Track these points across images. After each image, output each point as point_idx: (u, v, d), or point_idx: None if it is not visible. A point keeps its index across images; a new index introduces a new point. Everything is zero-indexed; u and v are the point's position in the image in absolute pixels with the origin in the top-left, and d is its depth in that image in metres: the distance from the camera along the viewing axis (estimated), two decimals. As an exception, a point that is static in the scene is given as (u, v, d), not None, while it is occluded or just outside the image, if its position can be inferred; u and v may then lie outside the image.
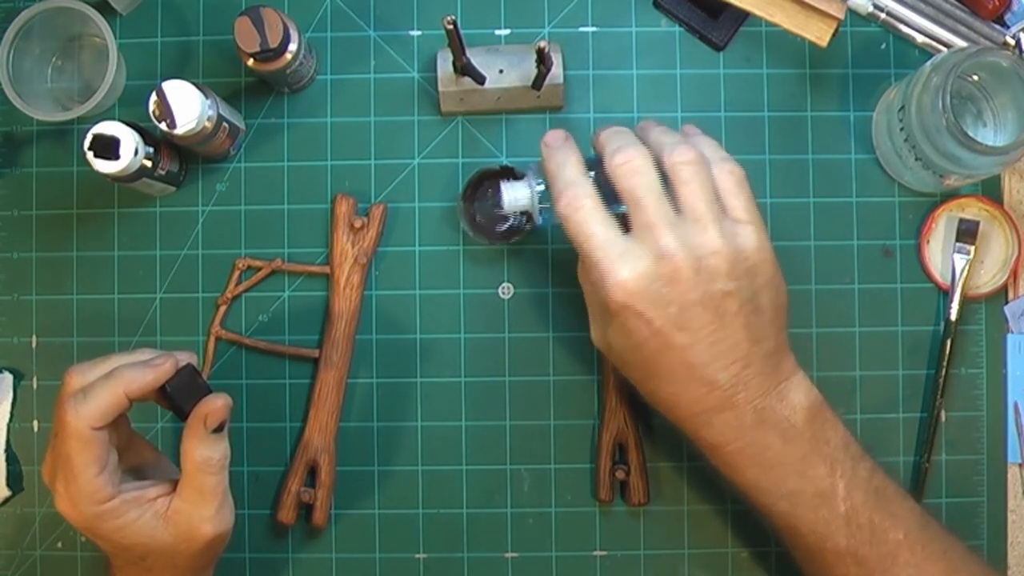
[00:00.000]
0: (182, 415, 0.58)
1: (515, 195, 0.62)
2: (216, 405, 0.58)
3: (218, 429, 0.58)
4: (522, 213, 0.63)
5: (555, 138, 0.60)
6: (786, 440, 0.56)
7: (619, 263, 0.54)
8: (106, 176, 0.64)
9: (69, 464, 0.54)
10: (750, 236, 0.56)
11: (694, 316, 0.54)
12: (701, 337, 0.55)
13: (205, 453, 0.57)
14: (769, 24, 0.69)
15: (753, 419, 0.56)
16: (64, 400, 0.55)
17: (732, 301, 0.55)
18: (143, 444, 0.63)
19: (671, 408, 0.58)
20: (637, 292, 0.54)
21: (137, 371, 0.56)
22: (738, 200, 0.57)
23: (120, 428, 0.59)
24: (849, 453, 0.57)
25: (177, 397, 0.58)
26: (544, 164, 0.59)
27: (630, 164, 0.56)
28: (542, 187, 0.62)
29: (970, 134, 0.61)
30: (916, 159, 0.66)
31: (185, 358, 0.59)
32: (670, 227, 0.55)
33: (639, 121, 0.62)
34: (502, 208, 0.62)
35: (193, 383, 0.58)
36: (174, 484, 0.58)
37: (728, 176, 0.57)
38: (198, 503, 0.57)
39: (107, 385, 0.55)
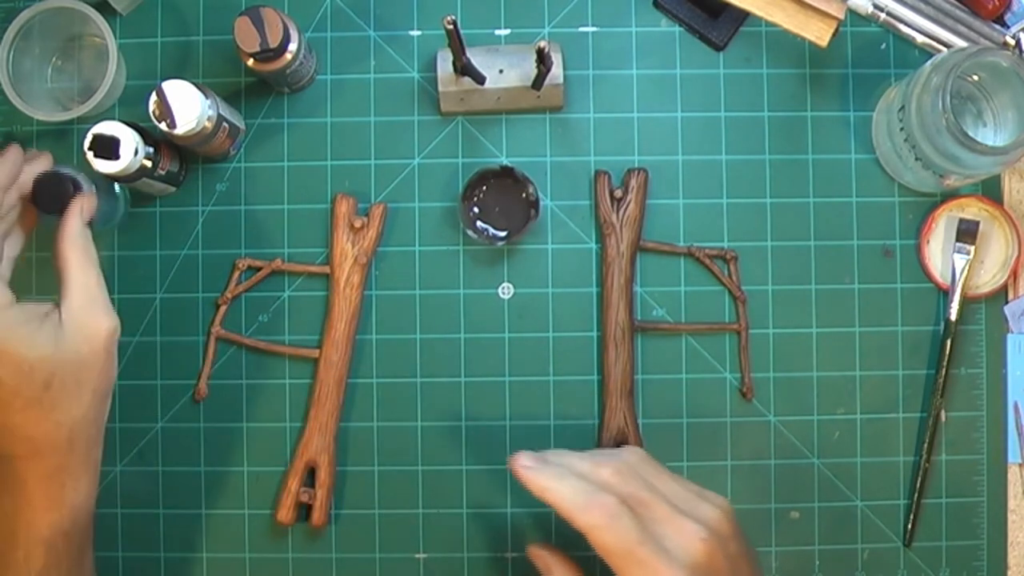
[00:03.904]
0: (48, 209, 0.60)
1: None
2: (91, 197, 0.59)
3: (89, 224, 0.59)
4: None
5: (529, 458, 0.57)
6: None
7: (670, 562, 0.54)
8: (106, 176, 0.64)
9: None
10: (716, 496, 0.59)
11: None
12: None
13: (87, 245, 0.58)
14: (769, 24, 0.69)
15: None
16: None
17: (743, 561, 0.57)
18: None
19: None
20: None
21: None
22: (671, 475, 0.59)
23: None
24: None
25: (44, 195, 0.60)
26: (532, 485, 0.56)
27: (613, 477, 0.57)
28: None
29: (970, 134, 0.61)
30: (916, 159, 0.66)
31: (43, 164, 0.60)
32: (681, 513, 0.56)
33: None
34: None
35: (60, 187, 0.60)
36: (56, 304, 0.57)
37: (646, 460, 0.59)
38: (90, 298, 0.57)
39: None
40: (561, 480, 0.56)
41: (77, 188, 0.61)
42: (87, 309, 0.57)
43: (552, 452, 0.59)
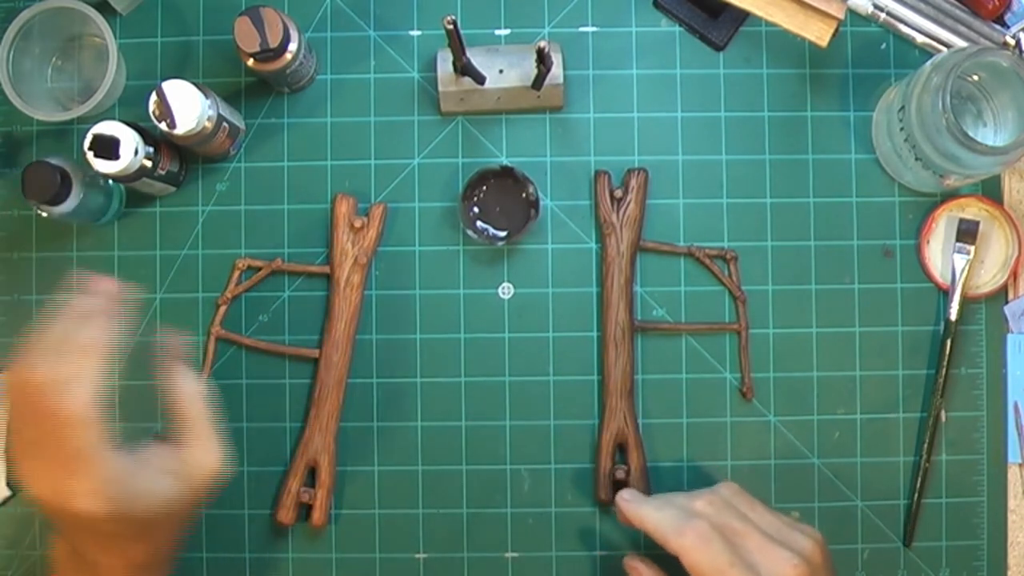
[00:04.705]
0: (37, 198, 0.63)
1: None
2: (176, 340, 0.59)
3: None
4: None
5: (630, 493, 0.65)
6: None
7: None
8: (106, 176, 0.64)
9: (84, 455, 0.52)
10: (809, 528, 0.62)
11: None
12: None
13: (196, 387, 0.58)
14: (769, 24, 0.69)
15: None
16: (53, 392, 0.52)
17: None
18: None
19: None
20: None
21: (91, 331, 0.54)
22: (765, 507, 0.63)
23: None
24: None
25: (33, 185, 0.63)
26: (632, 515, 0.62)
27: (707, 508, 0.61)
28: None
29: (970, 134, 0.61)
30: (916, 159, 0.66)
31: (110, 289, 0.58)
32: (776, 543, 0.59)
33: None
34: None
35: (49, 177, 0.63)
36: (159, 446, 0.57)
37: (739, 494, 0.63)
38: (203, 440, 0.57)
39: (89, 362, 0.53)
40: (658, 509, 0.62)
41: (65, 178, 0.63)
42: (199, 453, 0.57)
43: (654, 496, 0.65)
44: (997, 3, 0.69)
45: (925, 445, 0.69)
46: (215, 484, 0.58)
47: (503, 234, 0.69)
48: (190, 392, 0.58)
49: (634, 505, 0.63)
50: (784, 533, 0.60)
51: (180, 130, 0.63)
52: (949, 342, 0.69)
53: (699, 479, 0.70)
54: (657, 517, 0.61)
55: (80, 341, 0.54)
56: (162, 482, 0.55)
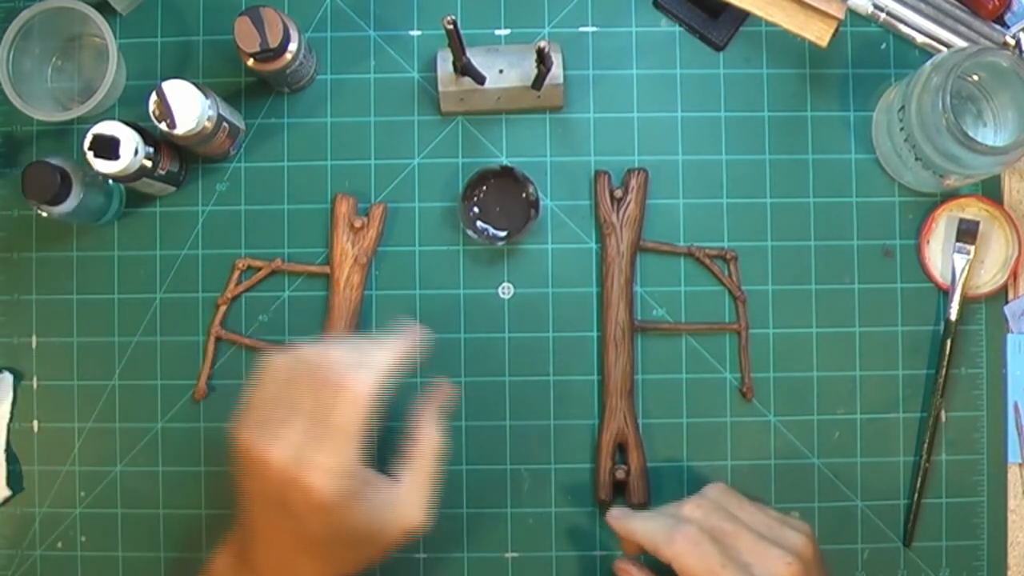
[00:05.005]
0: (37, 198, 0.63)
1: None
2: (450, 392, 0.62)
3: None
4: None
5: (619, 510, 0.64)
6: None
7: None
8: (106, 176, 0.64)
9: (343, 434, 0.53)
10: (799, 522, 0.62)
11: None
12: None
13: (438, 440, 0.59)
14: (769, 24, 0.69)
15: None
16: (344, 368, 0.54)
17: None
18: None
19: None
20: None
21: (399, 346, 0.57)
22: (754, 505, 0.63)
23: None
24: None
25: (33, 185, 0.63)
26: (623, 531, 0.62)
27: (695, 512, 0.61)
28: None
29: (970, 134, 0.61)
30: (916, 159, 0.66)
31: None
32: (768, 542, 0.59)
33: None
34: None
35: (49, 177, 0.63)
36: (383, 476, 0.58)
37: (727, 494, 0.63)
38: (422, 489, 0.58)
39: (383, 357, 0.56)
40: (646, 520, 0.62)
41: (65, 178, 0.63)
42: (414, 500, 0.58)
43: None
44: (997, 3, 0.69)
45: (925, 445, 0.69)
46: (406, 541, 0.57)
47: (503, 234, 0.69)
48: (431, 442, 0.59)
49: (623, 520, 0.63)
50: (775, 531, 0.60)
51: (180, 130, 0.63)
52: (949, 342, 0.69)
53: (699, 479, 0.70)
54: (646, 528, 0.61)
55: (381, 341, 0.57)
56: (376, 506, 0.56)
